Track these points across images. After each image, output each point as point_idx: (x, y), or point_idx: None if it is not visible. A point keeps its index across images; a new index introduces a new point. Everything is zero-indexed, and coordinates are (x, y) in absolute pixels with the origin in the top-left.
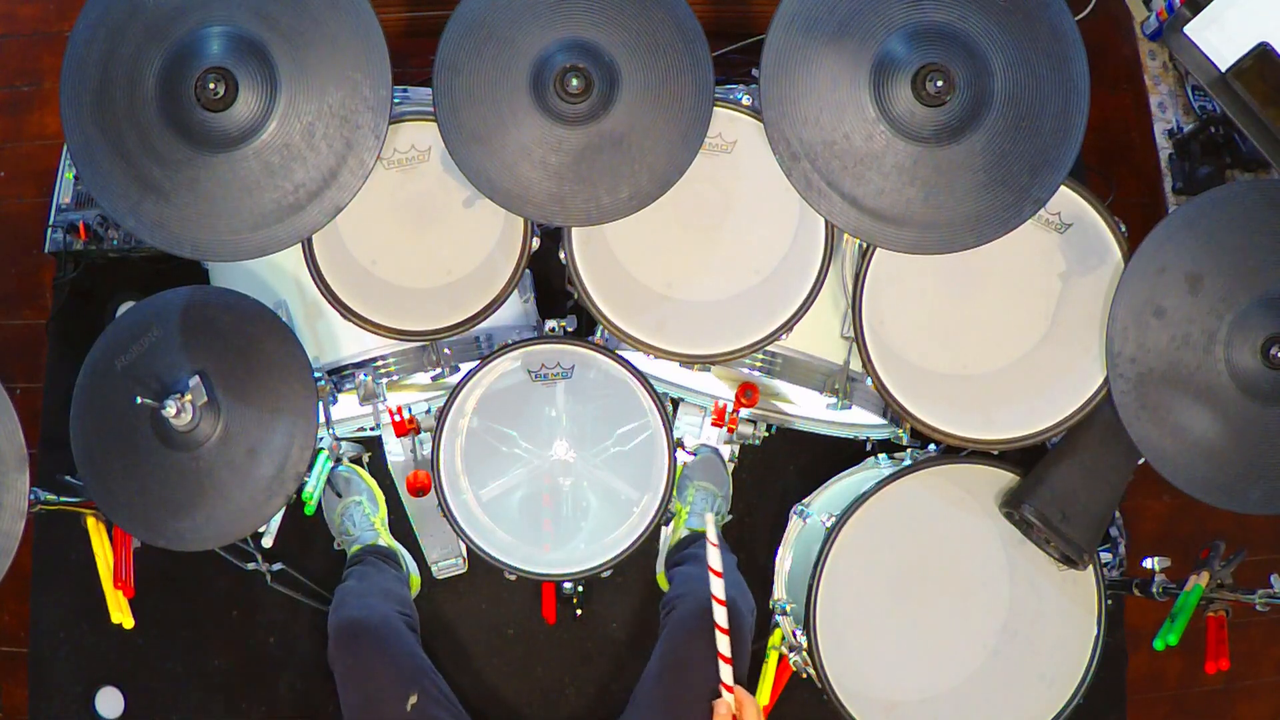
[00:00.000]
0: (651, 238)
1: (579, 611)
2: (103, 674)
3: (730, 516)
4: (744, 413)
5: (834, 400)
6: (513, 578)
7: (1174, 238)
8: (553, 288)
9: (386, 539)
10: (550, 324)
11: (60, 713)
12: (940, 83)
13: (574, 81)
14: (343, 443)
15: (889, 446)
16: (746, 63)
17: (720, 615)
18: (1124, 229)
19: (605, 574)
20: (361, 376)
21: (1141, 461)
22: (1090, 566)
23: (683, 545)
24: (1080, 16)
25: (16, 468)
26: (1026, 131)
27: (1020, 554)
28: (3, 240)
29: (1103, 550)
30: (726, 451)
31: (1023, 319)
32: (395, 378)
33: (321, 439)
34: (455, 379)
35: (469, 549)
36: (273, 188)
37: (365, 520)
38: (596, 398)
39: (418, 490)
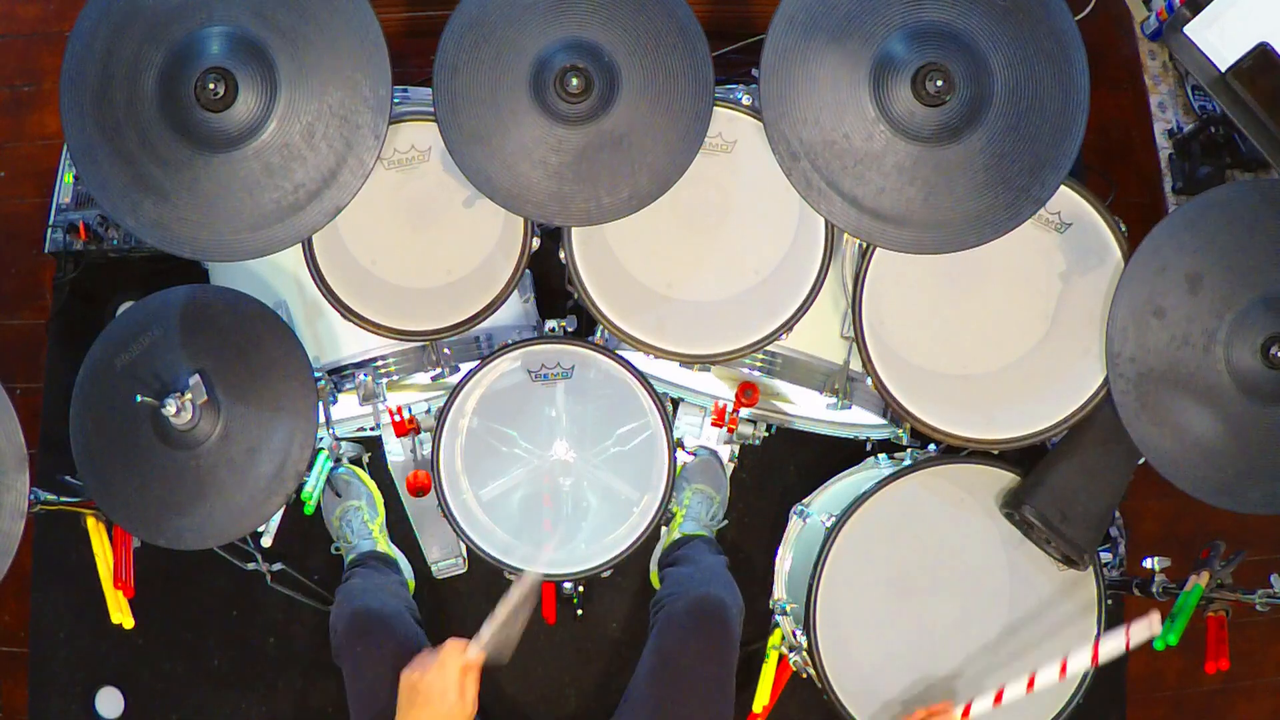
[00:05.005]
0: (651, 238)
1: (579, 611)
2: (103, 674)
3: (726, 522)
4: (744, 413)
5: (834, 400)
6: (513, 577)
7: (1174, 238)
8: (553, 288)
9: (384, 546)
10: (550, 324)
11: (60, 713)
12: (940, 82)
13: (574, 81)
14: (343, 443)
15: (889, 446)
16: (746, 63)
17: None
18: (1124, 229)
19: (605, 574)
20: (361, 376)
21: (1141, 461)
22: (1090, 566)
23: (676, 546)
24: (1080, 16)
25: (16, 468)
26: (1026, 131)
27: (1020, 554)
28: (3, 240)
29: (1103, 550)
30: (726, 452)
31: (1023, 319)
32: (395, 378)
33: (321, 439)
34: (455, 379)
35: (469, 549)
36: (273, 188)
37: (364, 528)
38: (596, 398)
39: (418, 490)
